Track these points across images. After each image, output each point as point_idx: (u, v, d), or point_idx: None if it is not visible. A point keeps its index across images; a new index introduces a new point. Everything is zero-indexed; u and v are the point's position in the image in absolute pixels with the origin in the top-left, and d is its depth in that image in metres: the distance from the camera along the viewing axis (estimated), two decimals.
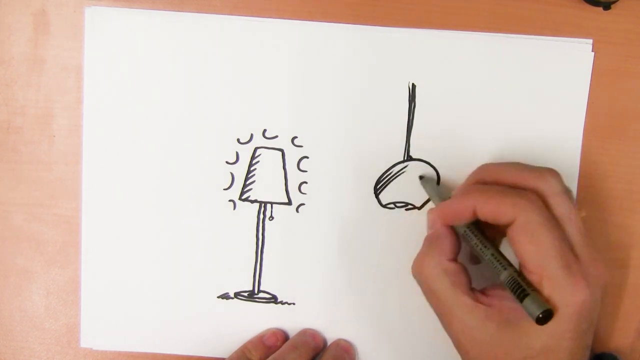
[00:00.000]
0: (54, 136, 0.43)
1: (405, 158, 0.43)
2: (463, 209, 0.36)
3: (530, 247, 0.34)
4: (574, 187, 0.42)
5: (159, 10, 0.42)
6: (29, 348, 0.45)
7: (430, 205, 0.42)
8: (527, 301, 0.32)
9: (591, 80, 0.42)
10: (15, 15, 0.42)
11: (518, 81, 0.42)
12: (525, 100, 0.42)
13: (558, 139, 0.42)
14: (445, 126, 0.42)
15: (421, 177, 0.42)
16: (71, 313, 0.44)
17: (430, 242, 0.38)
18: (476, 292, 0.36)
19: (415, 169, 0.43)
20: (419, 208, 0.43)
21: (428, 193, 0.42)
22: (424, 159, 0.42)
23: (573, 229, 0.35)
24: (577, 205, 0.42)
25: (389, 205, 0.43)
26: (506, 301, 0.35)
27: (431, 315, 0.37)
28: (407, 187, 0.43)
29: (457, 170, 0.42)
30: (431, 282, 0.36)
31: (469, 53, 0.42)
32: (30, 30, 0.42)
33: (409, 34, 0.42)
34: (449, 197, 0.38)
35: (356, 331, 0.44)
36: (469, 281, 0.36)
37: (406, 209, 0.43)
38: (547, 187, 0.35)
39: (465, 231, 0.37)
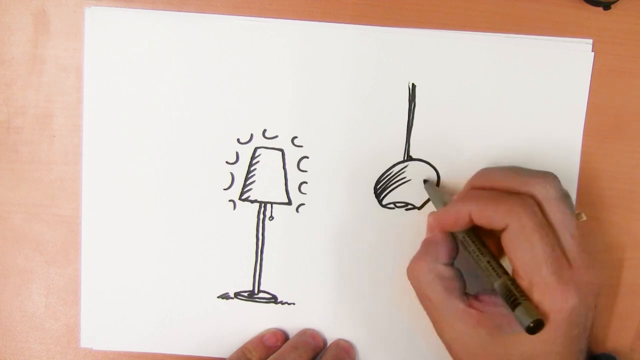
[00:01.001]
0: (54, 136, 0.43)
1: (405, 158, 0.43)
2: (459, 216, 0.36)
3: (521, 252, 0.34)
4: (573, 187, 0.42)
5: (159, 10, 0.42)
6: (29, 348, 0.45)
7: (431, 207, 0.42)
8: (518, 310, 0.33)
9: (591, 80, 0.42)
10: (15, 15, 0.42)
11: (518, 81, 0.42)
12: (525, 100, 0.42)
13: (558, 139, 0.42)
14: (445, 126, 0.42)
15: (425, 181, 0.42)
16: (71, 313, 0.44)
17: (426, 246, 0.38)
18: (470, 297, 0.36)
19: (415, 169, 0.43)
20: (419, 208, 0.43)
21: (430, 197, 0.42)
22: (424, 159, 0.42)
23: (567, 235, 0.34)
24: (577, 209, 0.42)
25: (389, 205, 0.43)
26: (498, 307, 0.35)
27: None
28: (407, 187, 0.43)
29: (457, 170, 0.42)
30: (424, 286, 0.36)
31: (469, 53, 0.42)
32: (30, 30, 0.42)
33: (409, 34, 0.42)
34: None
35: (356, 331, 0.44)
36: (463, 286, 0.36)
37: (406, 209, 0.43)
38: (543, 192, 0.35)
39: (463, 237, 0.37)
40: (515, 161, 0.42)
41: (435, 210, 0.41)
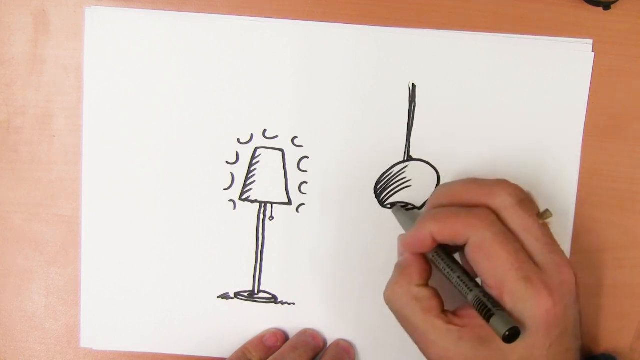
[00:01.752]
0: (54, 136, 0.43)
1: (405, 158, 0.43)
2: (422, 237, 0.36)
3: (485, 264, 0.34)
4: (574, 187, 0.42)
5: (159, 10, 0.42)
6: (29, 348, 0.45)
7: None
8: (493, 321, 0.32)
9: (591, 80, 0.42)
10: (15, 15, 0.42)
11: (518, 81, 0.42)
12: (525, 100, 0.42)
13: (558, 139, 0.42)
14: (445, 126, 0.42)
15: (393, 205, 0.42)
16: (71, 313, 0.44)
17: (399, 269, 0.38)
18: (449, 314, 0.36)
19: (415, 169, 0.43)
20: (419, 208, 0.43)
21: (398, 220, 0.42)
22: (424, 159, 0.42)
23: (531, 239, 0.34)
24: (577, 209, 0.42)
25: (389, 205, 0.43)
26: (478, 320, 0.35)
27: None
28: (407, 187, 0.43)
29: (457, 170, 0.42)
30: (402, 309, 0.36)
31: (469, 53, 0.42)
32: (30, 30, 0.42)
33: (409, 34, 0.42)
34: None
35: (356, 331, 0.44)
36: (441, 304, 0.36)
37: (406, 209, 0.43)
38: (498, 202, 0.35)
39: (433, 256, 0.37)
40: (515, 161, 0.42)
41: (404, 233, 0.40)
